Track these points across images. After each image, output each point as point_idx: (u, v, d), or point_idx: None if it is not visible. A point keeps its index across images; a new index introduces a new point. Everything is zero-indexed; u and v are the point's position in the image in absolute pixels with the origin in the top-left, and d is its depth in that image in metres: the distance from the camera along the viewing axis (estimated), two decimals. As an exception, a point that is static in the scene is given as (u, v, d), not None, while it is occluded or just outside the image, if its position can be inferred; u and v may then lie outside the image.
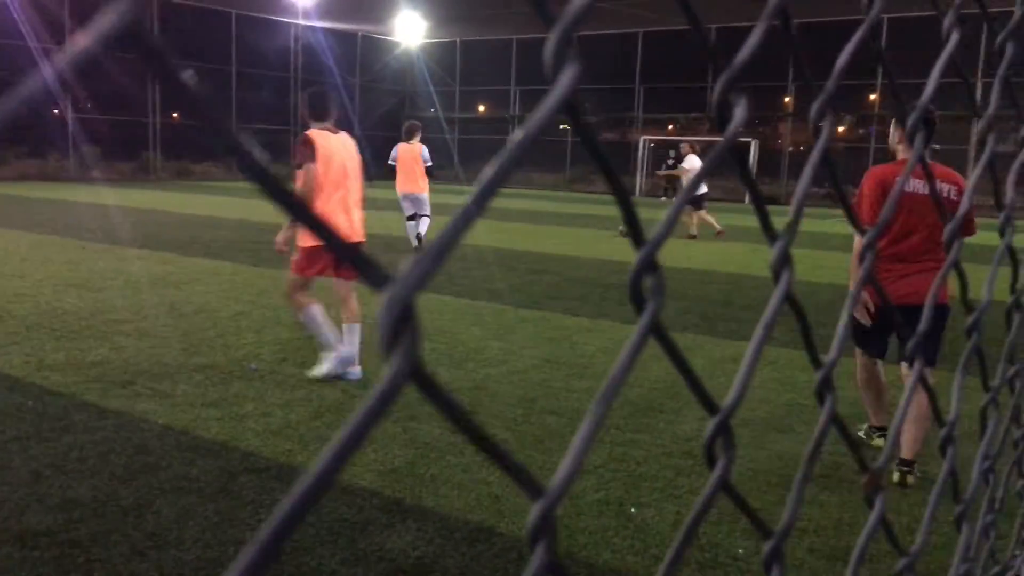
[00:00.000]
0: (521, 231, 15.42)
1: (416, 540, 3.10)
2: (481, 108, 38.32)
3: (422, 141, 11.76)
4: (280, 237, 5.16)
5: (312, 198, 4.95)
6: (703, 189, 16.18)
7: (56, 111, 26.15)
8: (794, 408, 4.99)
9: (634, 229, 0.43)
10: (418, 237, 11.40)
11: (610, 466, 3.92)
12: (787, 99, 32.71)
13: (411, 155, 11.56)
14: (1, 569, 2.76)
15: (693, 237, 15.85)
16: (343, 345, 5.16)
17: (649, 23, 30.78)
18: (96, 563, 2.82)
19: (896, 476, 3.88)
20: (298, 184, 5.00)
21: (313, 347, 5.92)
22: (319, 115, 5.18)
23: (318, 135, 5.09)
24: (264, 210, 16.92)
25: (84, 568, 2.79)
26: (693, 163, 16.19)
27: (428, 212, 11.78)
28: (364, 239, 5.53)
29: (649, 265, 0.43)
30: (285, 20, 32.03)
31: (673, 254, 12.99)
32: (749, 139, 31.64)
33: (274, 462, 3.78)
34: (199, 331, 6.26)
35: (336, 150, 5.13)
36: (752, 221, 21.09)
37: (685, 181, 15.79)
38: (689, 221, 15.98)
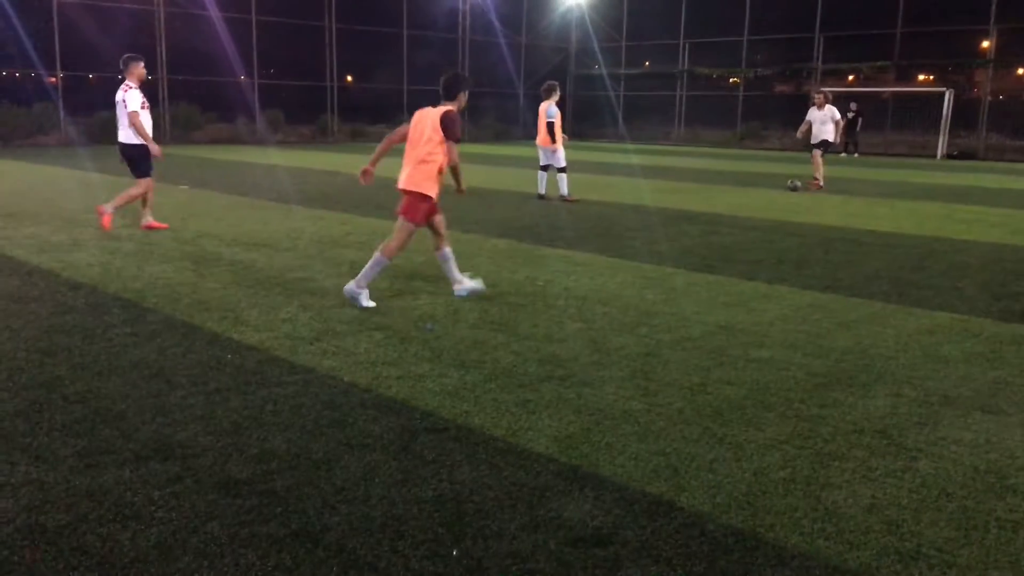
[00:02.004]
0: (690, 191, 14.98)
1: (594, 509, 3.06)
2: (647, 64, 37.39)
3: (559, 101, 13.34)
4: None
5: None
6: (830, 136, 16.12)
7: (243, 78, 27.83)
8: (1002, 386, 4.55)
9: None
10: (562, 197, 13.03)
11: (795, 442, 3.72)
12: (986, 43, 29.74)
13: (542, 112, 13.28)
14: (207, 515, 2.95)
15: (820, 187, 15.62)
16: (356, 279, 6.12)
17: (831, -34, 28.89)
18: (293, 514, 2.97)
19: None
20: (454, 155, 6.07)
21: (484, 308, 6.00)
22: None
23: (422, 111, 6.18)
24: (434, 171, 17.24)
25: (282, 518, 2.94)
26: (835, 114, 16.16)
27: (560, 165, 13.22)
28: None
29: None
30: (453, -19, 32.39)
31: (857, 215, 12.21)
32: (942, 88, 29.13)
33: (452, 423, 3.85)
34: (377, 290, 6.48)
35: (413, 121, 6.19)
36: (947, 179, 19.52)
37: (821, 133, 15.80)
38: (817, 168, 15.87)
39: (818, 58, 32.08)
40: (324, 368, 4.59)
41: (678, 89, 35.54)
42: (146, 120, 8.98)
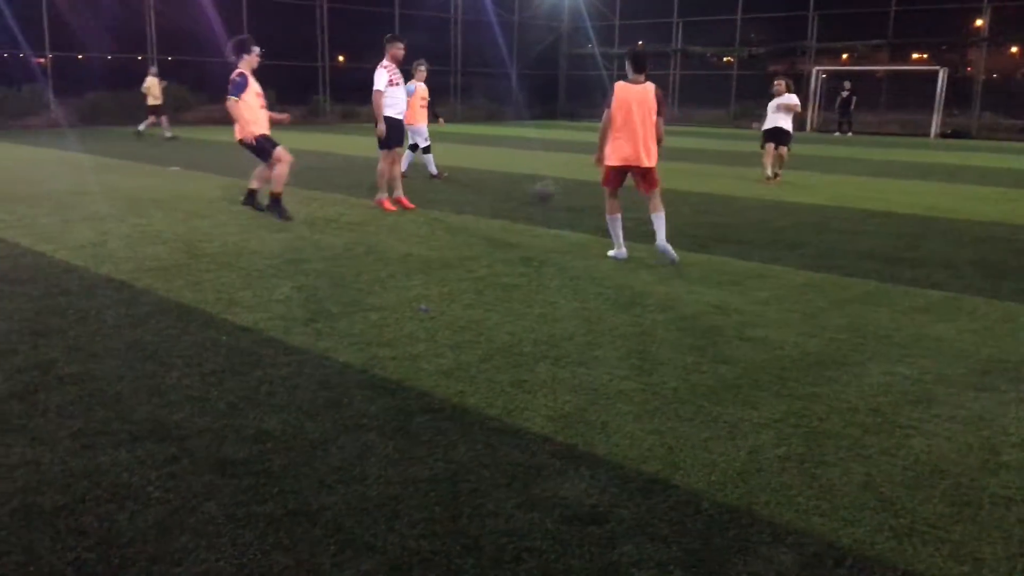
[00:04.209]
0: (683, 171, 14.96)
1: (590, 488, 3.07)
2: (640, 43, 37.19)
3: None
4: (595, 157, 7.21)
5: (607, 133, 6.92)
6: (788, 126, 13.39)
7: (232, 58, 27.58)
8: (995, 364, 4.58)
9: None
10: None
11: (790, 421, 3.73)
12: (979, 22, 29.69)
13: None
14: (205, 495, 2.96)
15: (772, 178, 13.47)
16: (657, 233, 7.03)
17: (825, -56, 28.76)
18: (290, 494, 2.97)
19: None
20: (662, 130, 6.90)
21: (479, 289, 5.99)
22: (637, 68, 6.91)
23: (619, 86, 6.88)
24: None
25: (278, 498, 2.94)
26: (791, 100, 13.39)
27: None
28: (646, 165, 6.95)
29: None
30: (445, -40, 32.11)
31: (851, 194, 12.22)
32: (936, 67, 29.09)
33: (448, 403, 3.85)
34: (371, 271, 6.47)
35: (627, 98, 6.81)
36: (939, 158, 19.52)
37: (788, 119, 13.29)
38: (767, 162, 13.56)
39: (812, 36, 31.98)
40: (319, 349, 4.59)
41: (671, 68, 35.42)
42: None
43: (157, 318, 5.13)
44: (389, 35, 9.56)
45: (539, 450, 3.38)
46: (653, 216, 7.02)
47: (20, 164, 14.25)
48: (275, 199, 8.65)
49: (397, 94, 9.44)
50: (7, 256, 6.79)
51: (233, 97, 8.34)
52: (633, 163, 6.90)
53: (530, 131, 27.41)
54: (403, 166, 11.18)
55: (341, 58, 32.27)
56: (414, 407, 3.80)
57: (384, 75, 9.26)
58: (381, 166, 9.68)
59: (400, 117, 9.54)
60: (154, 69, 20.64)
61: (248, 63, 8.42)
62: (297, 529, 2.75)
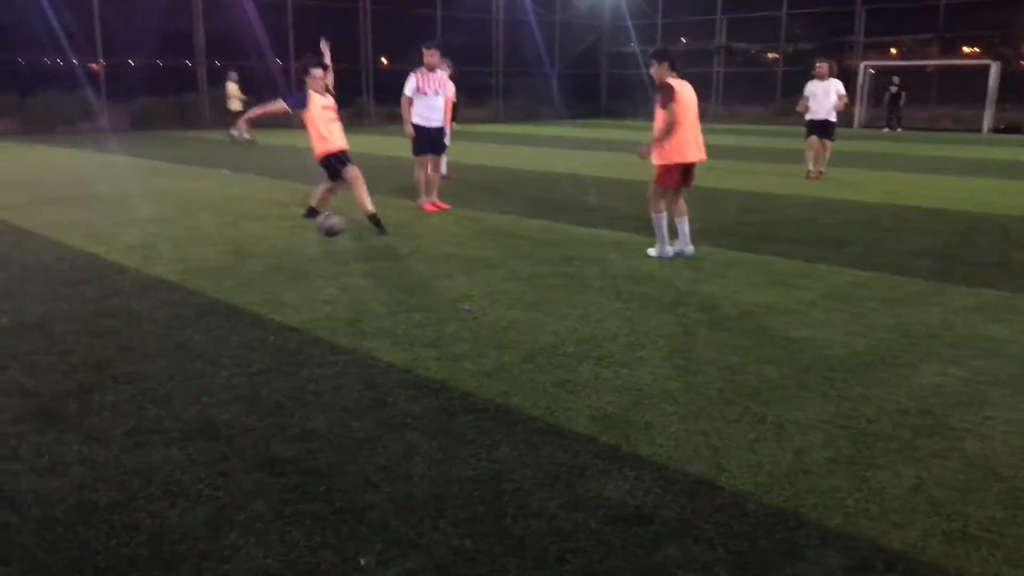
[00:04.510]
0: (727, 169, 14.80)
1: (634, 489, 3.06)
2: (683, 40, 36.88)
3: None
4: (644, 150, 7.06)
5: (672, 131, 6.89)
6: (834, 118, 13.14)
7: (279, 61, 27.99)
8: (1052, 365, 4.45)
9: None
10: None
11: (837, 422, 3.68)
12: (1034, 12, 28.84)
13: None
14: (253, 492, 3.01)
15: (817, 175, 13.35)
16: (681, 237, 7.21)
17: (873, -64, 28.22)
18: (336, 492, 3.01)
19: None
20: (660, 121, 6.89)
21: (521, 289, 6.00)
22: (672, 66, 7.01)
23: (677, 83, 6.93)
24: (466, 153, 17.33)
25: (325, 496, 2.98)
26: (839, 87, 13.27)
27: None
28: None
29: None
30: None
31: (901, 191, 11.98)
32: (988, 61, 28.35)
33: (491, 403, 3.87)
34: (414, 273, 6.52)
35: (686, 95, 6.95)
36: (992, 153, 19.03)
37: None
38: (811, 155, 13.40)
39: (860, 31, 31.39)
40: (364, 349, 4.64)
41: (715, 65, 35.04)
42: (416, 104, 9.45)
43: (207, 318, 5.24)
44: (426, 42, 9.72)
45: (582, 450, 3.38)
46: (679, 220, 7.23)
47: (73, 168, 14.62)
48: (371, 218, 8.18)
49: (427, 101, 9.52)
50: (64, 258, 6.98)
51: (291, 110, 8.09)
52: (695, 159, 7.08)
53: (571, 130, 27.35)
54: (442, 169, 11.11)
55: (384, 60, 32.54)
56: (457, 407, 3.82)
57: (412, 81, 9.46)
58: (417, 171, 9.82)
59: (428, 124, 9.57)
60: (234, 75, 20.97)
61: (312, 85, 8.15)
62: (343, 527, 2.78)
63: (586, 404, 3.87)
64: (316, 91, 8.05)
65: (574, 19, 36.94)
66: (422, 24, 31.01)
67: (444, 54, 9.75)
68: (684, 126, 6.93)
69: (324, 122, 8.14)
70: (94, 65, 25.02)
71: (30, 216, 9.09)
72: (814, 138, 13.33)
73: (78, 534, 2.74)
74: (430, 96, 9.51)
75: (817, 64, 13.21)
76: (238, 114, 20.07)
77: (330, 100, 8.19)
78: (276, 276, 6.38)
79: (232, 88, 20.39)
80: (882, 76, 30.20)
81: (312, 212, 8.52)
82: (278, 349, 4.65)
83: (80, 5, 23.66)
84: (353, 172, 8.12)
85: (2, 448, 3.38)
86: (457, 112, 12.63)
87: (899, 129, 28.44)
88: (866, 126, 30.33)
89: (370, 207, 8.13)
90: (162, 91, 25.74)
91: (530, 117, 34.14)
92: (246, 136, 19.91)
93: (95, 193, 11.12)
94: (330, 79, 8.23)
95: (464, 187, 11.81)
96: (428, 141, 9.66)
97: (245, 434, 3.51)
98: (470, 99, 29.42)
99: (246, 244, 7.65)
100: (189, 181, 12.65)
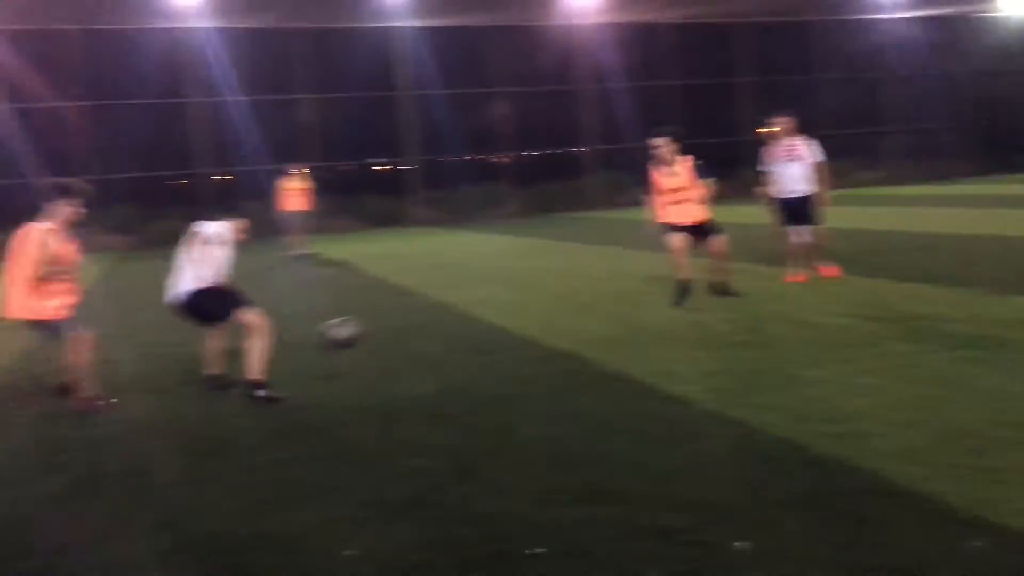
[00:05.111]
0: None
1: None
2: None
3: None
4: None
5: None
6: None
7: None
8: None
9: None
10: None
11: None
12: None
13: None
14: (648, 559, 3.06)
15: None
16: None
17: None
18: (736, 569, 2.95)
19: None
20: None
21: (934, 363, 5.43)
22: None
23: None
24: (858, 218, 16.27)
25: (719, 570, 2.94)
26: None
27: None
28: None
29: None
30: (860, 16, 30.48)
31: None
32: None
33: (896, 486, 3.53)
34: (802, 344, 6.24)
35: None
36: None
37: None
38: None
39: None
40: (755, 422, 4.52)
41: None
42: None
43: (599, 387, 5.52)
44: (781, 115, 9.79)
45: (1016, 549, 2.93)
46: None
47: (485, 252, 16.41)
48: (718, 288, 8.54)
49: (779, 171, 9.55)
50: (477, 331, 7.84)
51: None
52: None
53: (982, 187, 24.43)
54: (806, 236, 10.34)
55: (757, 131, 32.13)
56: (859, 487, 3.55)
57: (761, 154, 9.76)
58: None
59: (780, 196, 9.54)
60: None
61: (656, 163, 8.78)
62: (741, 605, 2.71)
63: (1018, 496, 3.35)
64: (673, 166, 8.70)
65: (987, 69, 33.22)
66: (795, 90, 30.01)
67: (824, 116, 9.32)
68: None
69: (664, 202, 8.75)
70: (504, 159, 28.53)
71: (450, 292, 10.35)
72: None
73: (494, 581, 3.01)
74: (777, 166, 9.61)
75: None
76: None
77: (672, 180, 8.64)
78: (662, 348, 6.52)
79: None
80: None
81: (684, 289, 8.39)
82: (670, 420, 4.71)
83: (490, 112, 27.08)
84: (718, 241, 8.45)
85: (430, 495, 3.85)
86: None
87: None
88: None
89: (722, 276, 8.53)
90: (553, 178, 28.35)
91: (931, 176, 31.10)
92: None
93: (501, 271, 12.35)
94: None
95: (861, 254, 11.09)
96: (784, 212, 9.66)
97: (637, 500, 3.60)
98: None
99: (633, 315, 7.94)
100: (581, 256, 13.54)
